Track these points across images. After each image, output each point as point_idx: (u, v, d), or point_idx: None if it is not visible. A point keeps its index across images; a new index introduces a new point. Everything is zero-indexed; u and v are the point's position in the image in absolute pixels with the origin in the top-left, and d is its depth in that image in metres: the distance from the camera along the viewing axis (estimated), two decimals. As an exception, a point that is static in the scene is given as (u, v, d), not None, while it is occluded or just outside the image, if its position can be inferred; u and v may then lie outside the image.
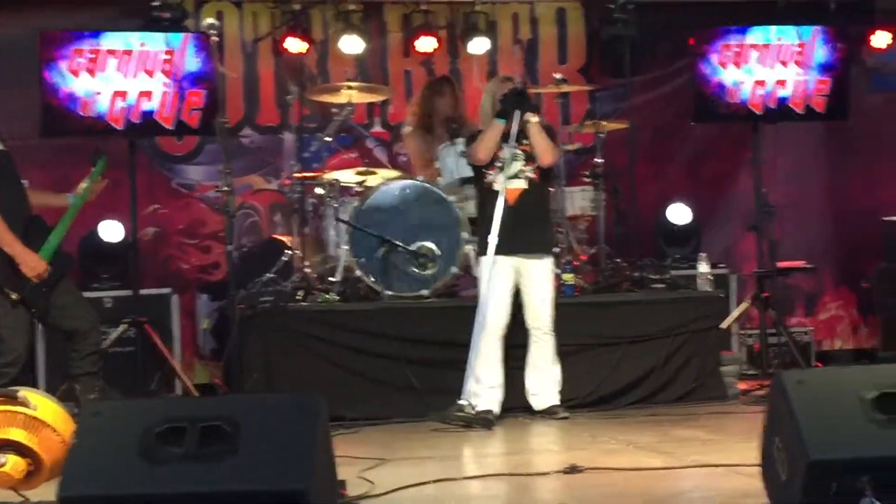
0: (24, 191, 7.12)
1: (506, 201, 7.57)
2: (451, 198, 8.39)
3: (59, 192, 7.50)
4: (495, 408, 7.65)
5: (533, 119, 7.68)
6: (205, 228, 10.44)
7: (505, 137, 7.63)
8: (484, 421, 7.40)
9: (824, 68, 9.88)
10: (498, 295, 7.64)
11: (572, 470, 5.59)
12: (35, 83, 8.79)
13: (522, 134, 7.67)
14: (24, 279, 6.80)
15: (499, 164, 7.68)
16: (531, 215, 7.74)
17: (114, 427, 4.26)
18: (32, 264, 6.82)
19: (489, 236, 7.52)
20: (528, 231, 7.70)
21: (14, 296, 6.79)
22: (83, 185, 7.32)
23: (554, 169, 8.12)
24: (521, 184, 7.72)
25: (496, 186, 7.66)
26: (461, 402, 7.37)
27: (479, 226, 7.88)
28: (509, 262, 7.69)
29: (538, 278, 7.77)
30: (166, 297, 9.51)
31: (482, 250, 7.66)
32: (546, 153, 7.70)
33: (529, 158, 7.73)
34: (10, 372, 6.74)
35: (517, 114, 7.60)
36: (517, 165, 7.70)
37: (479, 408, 7.50)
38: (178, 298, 9.64)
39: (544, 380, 7.87)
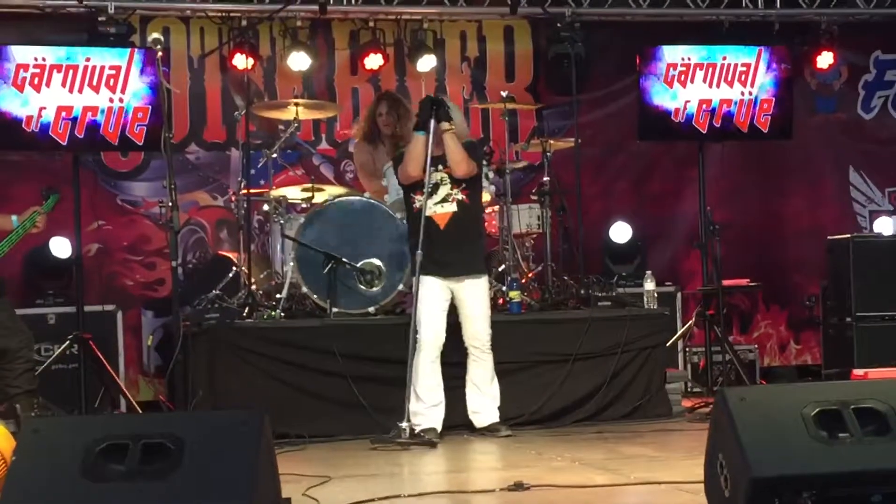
0: None
1: (437, 226, 7.58)
2: (398, 214, 8.38)
3: (2, 211, 7.37)
4: (436, 426, 7.63)
5: (445, 126, 7.62)
6: (150, 245, 10.38)
7: (427, 144, 7.54)
8: (426, 441, 7.37)
9: (769, 88, 9.96)
10: (431, 315, 7.63)
11: (518, 487, 5.58)
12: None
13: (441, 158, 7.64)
14: None
15: (427, 189, 7.61)
16: (463, 238, 7.73)
17: (55, 444, 4.22)
18: None
19: (422, 261, 7.48)
20: (460, 254, 7.69)
21: None
22: (27, 216, 7.17)
23: (486, 185, 8.10)
24: (451, 207, 7.69)
25: (427, 212, 7.60)
26: (402, 424, 7.34)
27: (411, 247, 7.79)
28: (444, 285, 7.68)
29: (473, 297, 7.75)
30: (111, 313, 9.43)
31: (416, 272, 7.62)
32: (459, 164, 7.62)
33: (455, 181, 7.69)
34: None
35: (433, 122, 7.58)
36: (444, 189, 7.69)
37: (423, 426, 7.49)
38: (123, 315, 9.57)
39: (484, 398, 7.86)
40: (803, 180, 11.51)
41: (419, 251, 7.44)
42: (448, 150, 7.62)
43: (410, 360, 7.48)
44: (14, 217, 7.19)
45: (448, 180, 7.68)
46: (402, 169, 7.74)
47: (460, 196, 7.70)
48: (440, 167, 7.65)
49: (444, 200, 7.67)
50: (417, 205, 7.69)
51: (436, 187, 7.62)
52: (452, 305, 7.78)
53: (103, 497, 4.00)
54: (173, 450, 4.09)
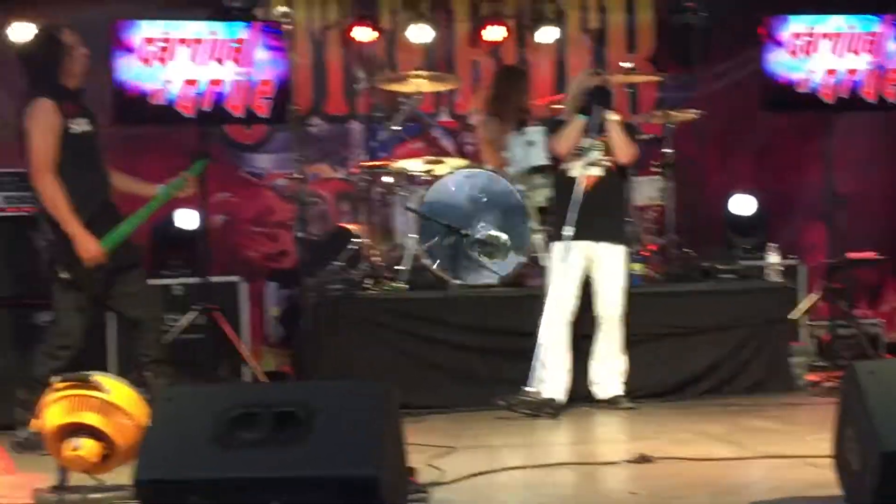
0: (103, 174, 7.01)
1: (581, 188, 7.59)
2: (520, 187, 8.39)
3: (144, 181, 7.44)
4: (560, 395, 7.64)
5: (612, 117, 7.69)
6: (273, 216, 10.50)
7: (586, 129, 7.65)
8: (549, 408, 7.40)
9: (896, 57, 9.79)
10: (568, 281, 7.66)
11: (642, 459, 5.58)
12: (105, 71, 8.85)
13: (603, 126, 7.68)
14: (79, 261, 6.69)
15: (577, 153, 7.70)
16: (606, 203, 7.74)
17: (187, 412, 4.31)
18: (87, 247, 6.66)
19: (564, 223, 7.53)
20: (601, 218, 7.70)
21: (64, 275, 6.74)
22: (175, 179, 7.25)
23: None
24: (598, 171, 7.72)
25: (573, 173, 7.67)
26: (528, 388, 7.38)
27: (554, 212, 7.87)
28: (582, 249, 7.69)
29: (609, 266, 7.76)
30: (235, 284, 9.53)
31: (556, 236, 7.67)
32: (622, 151, 7.71)
33: (608, 150, 7.74)
34: (64, 354, 6.71)
35: (598, 109, 7.62)
36: (595, 154, 7.71)
37: (545, 394, 7.51)
38: (247, 286, 9.68)
39: (608, 369, 7.85)
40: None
41: (569, 221, 7.50)
42: (612, 138, 7.70)
43: (543, 325, 7.54)
44: (158, 186, 7.24)
45: (601, 147, 7.73)
46: (553, 142, 7.87)
47: (609, 164, 7.74)
48: (595, 136, 7.70)
49: (592, 164, 7.70)
50: (564, 168, 7.76)
51: (587, 151, 7.67)
52: (589, 277, 7.80)
53: (236, 464, 4.08)
54: (303, 418, 4.14)
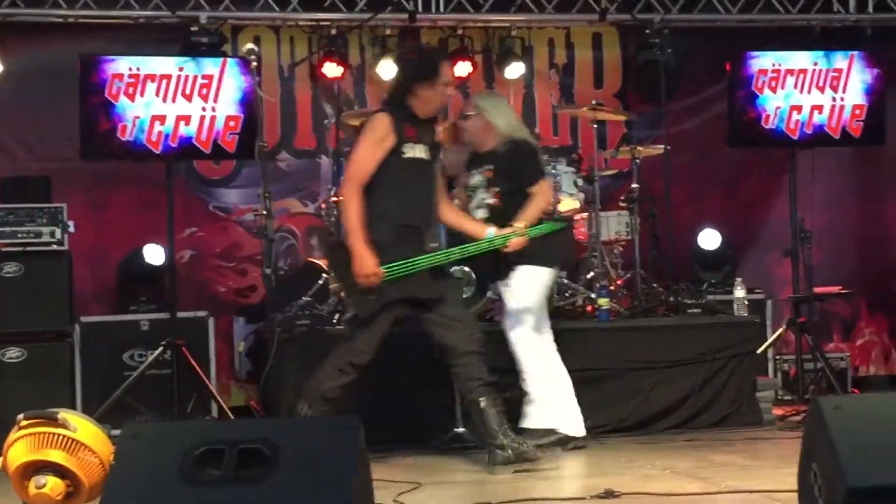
0: (424, 204, 6.84)
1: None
2: (487, 222, 8.38)
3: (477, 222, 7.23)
4: (581, 430, 7.48)
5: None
6: (241, 251, 10.49)
7: (474, 162, 7.49)
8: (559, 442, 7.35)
9: (861, 94, 9.87)
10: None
11: (609, 495, 5.58)
12: (75, 107, 8.85)
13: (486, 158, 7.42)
14: (353, 277, 6.64)
15: (469, 192, 7.50)
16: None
17: (152, 449, 4.28)
18: (363, 263, 6.57)
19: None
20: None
21: (334, 286, 6.74)
22: (507, 232, 6.99)
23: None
24: (483, 213, 7.38)
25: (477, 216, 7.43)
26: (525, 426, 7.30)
27: None
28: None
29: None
30: (203, 319, 9.48)
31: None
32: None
33: (490, 184, 7.38)
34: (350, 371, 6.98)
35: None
36: (480, 194, 7.43)
37: (565, 432, 7.41)
38: (215, 321, 9.63)
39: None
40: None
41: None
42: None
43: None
44: (489, 230, 7.08)
45: (483, 182, 7.43)
46: None
47: (491, 200, 7.39)
48: (477, 170, 7.46)
49: (478, 207, 7.44)
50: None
51: (474, 190, 7.48)
52: None
53: (201, 501, 4.05)
54: (270, 455, 4.12)
